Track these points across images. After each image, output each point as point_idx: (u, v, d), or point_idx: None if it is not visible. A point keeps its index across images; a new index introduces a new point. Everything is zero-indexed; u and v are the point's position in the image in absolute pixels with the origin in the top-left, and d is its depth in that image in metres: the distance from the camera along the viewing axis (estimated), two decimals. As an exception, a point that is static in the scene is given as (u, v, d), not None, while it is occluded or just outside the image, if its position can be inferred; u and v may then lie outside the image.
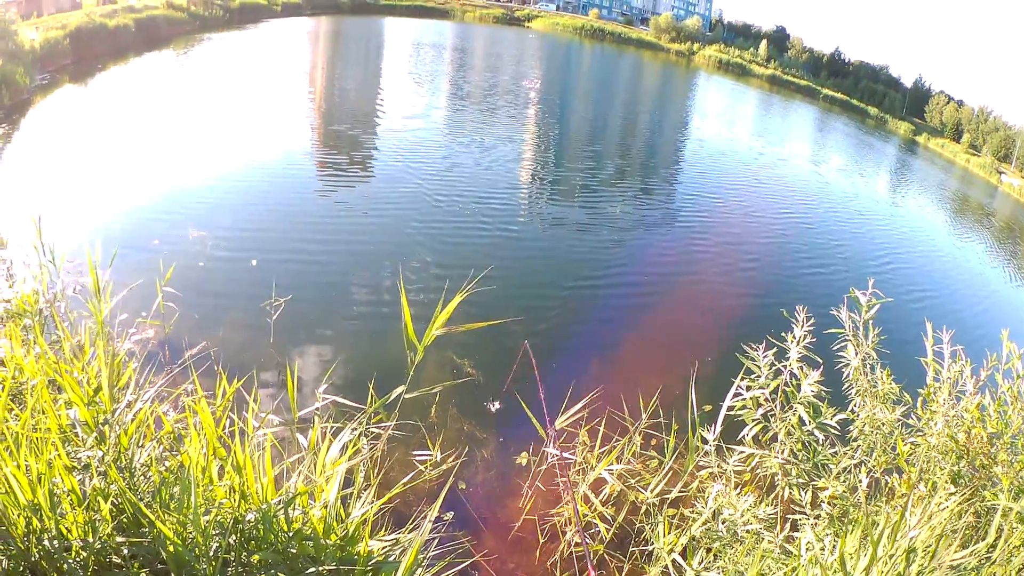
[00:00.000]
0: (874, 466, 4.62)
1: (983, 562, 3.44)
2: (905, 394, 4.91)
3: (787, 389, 4.60)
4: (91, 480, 3.26)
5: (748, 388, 4.66)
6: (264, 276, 10.65)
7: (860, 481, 4.48)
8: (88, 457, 3.35)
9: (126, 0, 42.34)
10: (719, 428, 4.84)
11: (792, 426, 4.58)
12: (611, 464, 5.79)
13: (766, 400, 4.62)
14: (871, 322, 4.99)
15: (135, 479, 3.49)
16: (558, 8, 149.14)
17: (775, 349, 4.77)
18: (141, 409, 3.71)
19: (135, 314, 7.74)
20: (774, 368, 4.66)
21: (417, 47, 56.23)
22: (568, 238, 15.81)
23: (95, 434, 3.48)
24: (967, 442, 4.44)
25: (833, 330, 5.07)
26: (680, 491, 5.62)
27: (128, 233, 11.81)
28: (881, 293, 4.97)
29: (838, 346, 5.08)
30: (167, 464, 3.74)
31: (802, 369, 4.60)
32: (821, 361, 4.72)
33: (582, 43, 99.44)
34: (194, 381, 4.56)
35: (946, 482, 4.28)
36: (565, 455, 5.91)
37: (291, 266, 11.54)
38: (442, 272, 11.97)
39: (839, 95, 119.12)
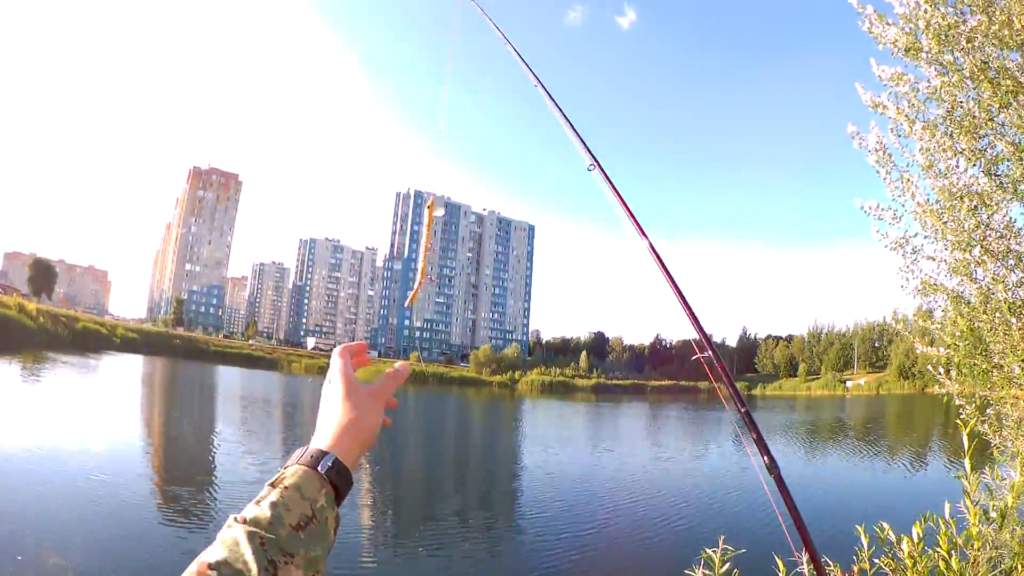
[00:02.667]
0: None
1: None
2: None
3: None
4: None
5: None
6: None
7: None
8: None
9: None
10: None
11: None
12: None
13: None
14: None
15: None
16: (380, 354, 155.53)
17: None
18: None
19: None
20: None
21: (246, 403, 57.87)
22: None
23: None
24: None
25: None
26: None
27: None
28: (731, 548, 5.08)
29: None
30: None
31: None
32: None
33: (406, 391, 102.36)
34: None
35: None
36: None
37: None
38: None
39: (666, 382, 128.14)
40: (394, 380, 1.65)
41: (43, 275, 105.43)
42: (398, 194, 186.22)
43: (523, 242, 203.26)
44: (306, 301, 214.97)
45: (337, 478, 1.34)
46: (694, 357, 2.62)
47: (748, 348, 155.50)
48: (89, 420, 30.64)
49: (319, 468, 1.33)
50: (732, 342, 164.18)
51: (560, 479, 31.99)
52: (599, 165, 3.47)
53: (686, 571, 5.05)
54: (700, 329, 2.68)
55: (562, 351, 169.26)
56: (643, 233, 3.20)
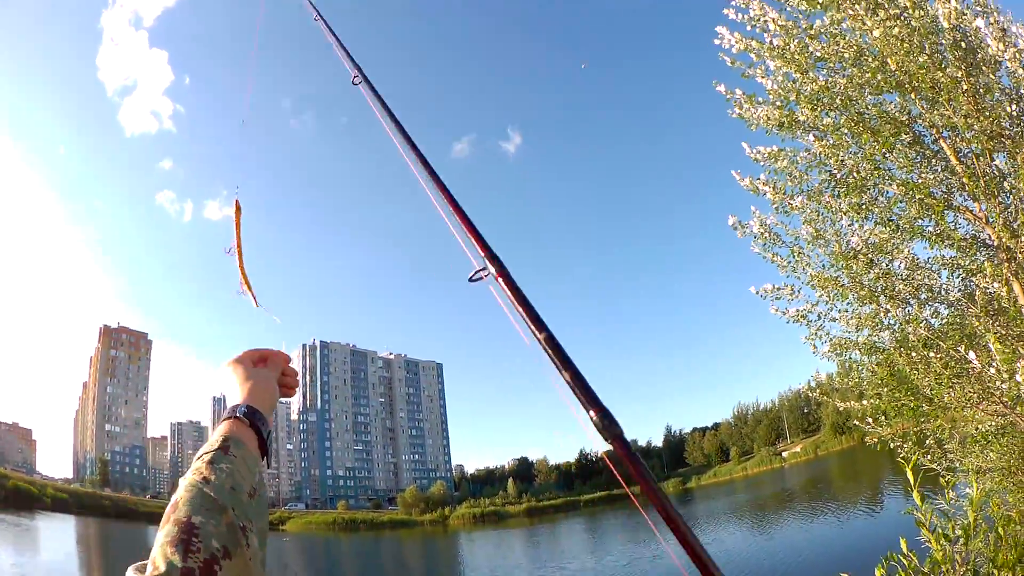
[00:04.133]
0: None
1: None
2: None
3: None
4: None
5: None
6: None
7: None
8: None
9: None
10: None
11: None
12: None
13: None
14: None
15: None
16: (307, 506, 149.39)
17: None
18: None
19: None
20: None
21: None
22: None
23: None
24: None
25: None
26: None
27: None
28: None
29: None
30: None
31: None
32: None
33: (339, 538, 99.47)
34: None
35: None
36: None
37: None
38: None
39: (599, 493, 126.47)
40: (280, 356, 1.74)
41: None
42: (304, 345, 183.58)
43: (433, 381, 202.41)
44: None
45: (256, 422, 1.45)
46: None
47: (676, 444, 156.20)
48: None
49: (238, 414, 1.45)
50: (658, 442, 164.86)
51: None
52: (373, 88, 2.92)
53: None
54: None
55: (488, 482, 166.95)
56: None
